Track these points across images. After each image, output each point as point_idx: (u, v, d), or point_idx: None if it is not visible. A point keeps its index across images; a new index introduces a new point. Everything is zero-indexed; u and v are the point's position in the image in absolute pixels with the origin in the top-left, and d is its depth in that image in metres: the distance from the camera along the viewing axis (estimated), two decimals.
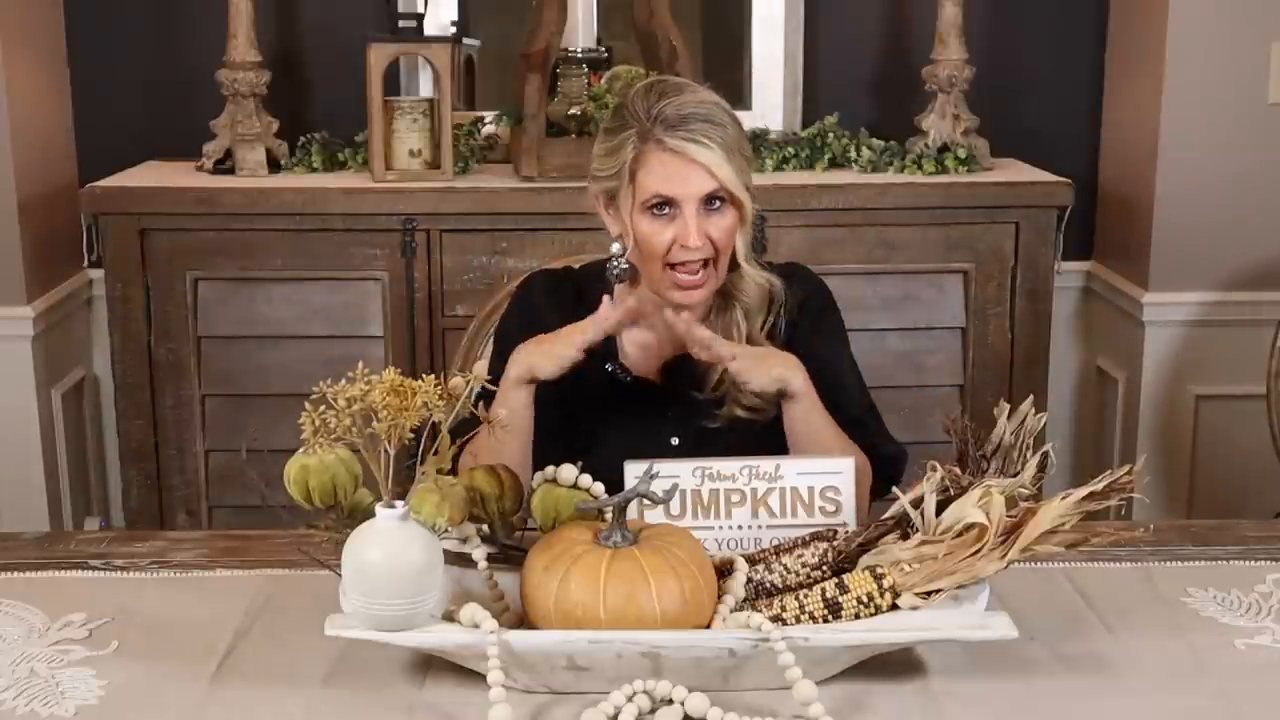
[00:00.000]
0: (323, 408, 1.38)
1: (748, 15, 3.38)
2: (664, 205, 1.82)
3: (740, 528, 1.64)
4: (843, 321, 2.02)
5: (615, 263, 1.88)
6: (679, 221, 1.81)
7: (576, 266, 2.06)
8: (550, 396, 1.87)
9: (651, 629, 1.40)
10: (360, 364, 1.41)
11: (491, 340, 2.09)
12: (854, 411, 1.94)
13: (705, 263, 1.83)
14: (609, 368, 1.93)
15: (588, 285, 1.97)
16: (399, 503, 1.40)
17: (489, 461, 1.62)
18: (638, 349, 1.96)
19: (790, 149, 3.17)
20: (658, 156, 1.80)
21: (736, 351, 1.82)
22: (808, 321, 1.96)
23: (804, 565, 1.54)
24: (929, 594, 1.46)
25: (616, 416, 1.92)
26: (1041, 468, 1.53)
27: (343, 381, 1.39)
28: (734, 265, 1.88)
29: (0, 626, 1.58)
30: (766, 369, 1.82)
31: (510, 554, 1.55)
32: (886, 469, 1.91)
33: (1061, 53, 3.37)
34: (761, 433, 1.88)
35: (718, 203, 1.82)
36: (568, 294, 1.98)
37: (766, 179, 3.02)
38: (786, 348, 1.90)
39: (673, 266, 1.84)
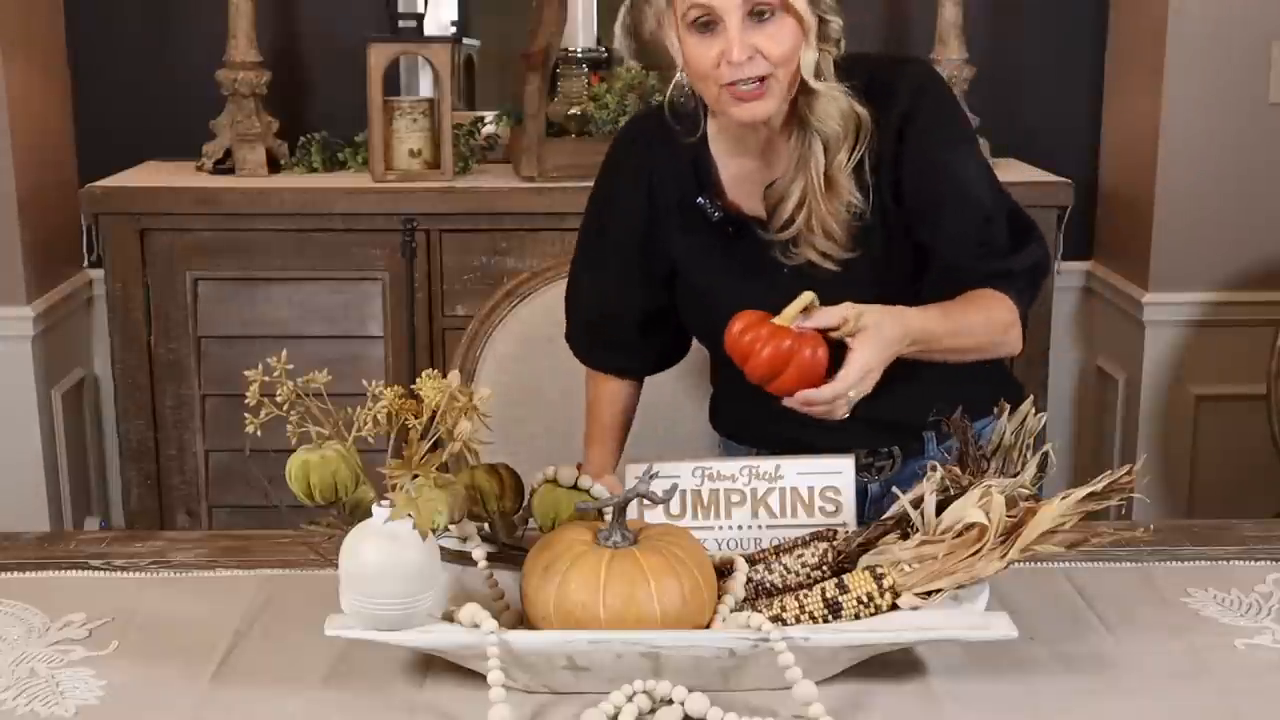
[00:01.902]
0: (266, 378, 1.40)
1: None
2: (706, 19, 1.65)
3: (740, 528, 1.63)
4: (964, 114, 1.82)
5: (681, 90, 1.77)
6: (724, 35, 1.64)
7: (656, 104, 1.87)
8: (657, 242, 1.84)
9: (651, 629, 1.40)
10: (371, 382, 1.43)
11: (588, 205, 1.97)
12: (978, 226, 1.75)
13: (763, 79, 1.66)
14: (700, 201, 1.81)
15: (680, 114, 1.81)
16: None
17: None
18: (735, 180, 1.81)
19: None
20: None
21: (848, 381, 1.58)
22: (925, 113, 1.75)
23: (804, 565, 1.54)
24: (929, 594, 1.46)
25: (714, 253, 1.82)
26: (1041, 468, 1.53)
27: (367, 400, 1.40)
28: (810, 88, 1.70)
29: (0, 626, 1.58)
30: (882, 357, 1.60)
31: (510, 553, 1.55)
32: (1028, 285, 1.77)
33: (1061, 53, 3.37)
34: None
35: (767, 11, 1.64)
36: (669, 129, 1.82)
37: None
38: (899, 150, 1.74)
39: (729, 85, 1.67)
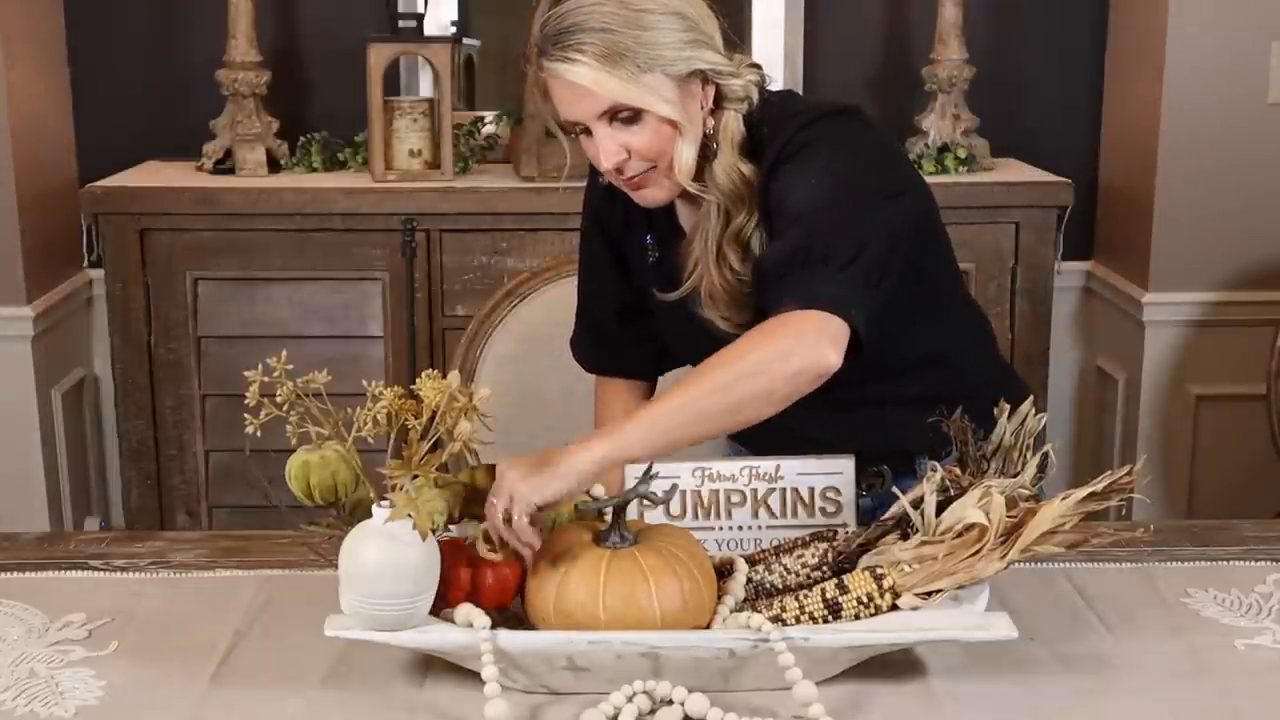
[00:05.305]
0: (266, 378, 1.41)
1: (748, 15, 3.38)
2: (577, 127, 1.62)
3: (740, 528, 1.64)
4: (846, 138, 1.65)
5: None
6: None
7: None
8: (620, 243, 1.82)
9: (651, 629, 1.40)
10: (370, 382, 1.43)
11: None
12: (794, 233, 1.57)
13: (646, 171, 1.63)
14: (648, 239, 1.79)
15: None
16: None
17: None
18: (690, 227, 1.75)
19: None
20: (548, 82, 1.60)
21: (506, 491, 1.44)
22: (782, 165, 1.63)
23: (804, 566, 1.54)
24: (929, 594, 1.46)
25: (655, 287, 1.78)
26: (1041, 468, 1.53)
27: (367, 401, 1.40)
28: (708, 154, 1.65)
29: (0, 627, 1.58)
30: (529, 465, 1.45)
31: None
32: (846, 297, 1.53)
33: (1061, 53, 3.37)
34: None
35: (628, 114, 1.59)
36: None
37: None
38: (765, 211, 1.64)
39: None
